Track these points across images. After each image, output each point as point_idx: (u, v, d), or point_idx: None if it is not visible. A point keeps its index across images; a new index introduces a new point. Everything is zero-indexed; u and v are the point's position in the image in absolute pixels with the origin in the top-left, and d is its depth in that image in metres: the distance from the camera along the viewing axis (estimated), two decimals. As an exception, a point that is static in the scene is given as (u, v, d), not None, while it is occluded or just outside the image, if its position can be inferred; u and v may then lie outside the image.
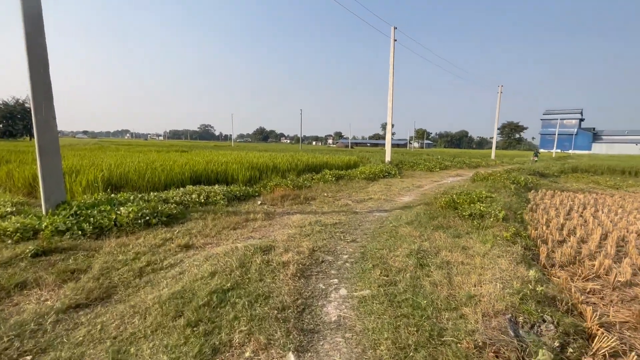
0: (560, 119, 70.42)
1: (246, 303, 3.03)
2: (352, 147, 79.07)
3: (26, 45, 5.11)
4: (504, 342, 2.54)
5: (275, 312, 2.91)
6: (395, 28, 18.39)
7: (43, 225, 4.82)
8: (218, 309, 2.91)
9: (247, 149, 33.46)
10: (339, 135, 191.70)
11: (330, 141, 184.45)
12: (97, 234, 4.96)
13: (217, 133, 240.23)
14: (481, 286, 3.52)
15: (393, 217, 6.89)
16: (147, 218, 5.50)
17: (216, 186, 8.28)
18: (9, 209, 5.73)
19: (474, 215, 6.60)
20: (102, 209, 5.63)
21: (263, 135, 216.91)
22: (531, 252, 5.12)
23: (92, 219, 5.20)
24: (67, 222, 5.00)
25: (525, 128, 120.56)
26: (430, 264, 4.16)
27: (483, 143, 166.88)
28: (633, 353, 2.57)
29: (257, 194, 8.93)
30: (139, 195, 6.73)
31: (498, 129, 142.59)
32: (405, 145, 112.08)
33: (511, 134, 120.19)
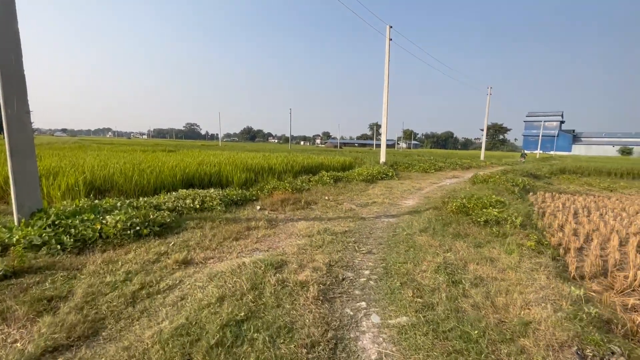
0: (542, 121, 72.16)
1: (267, 339, 2.50)
2: (340, 147, 78.81)
3: (-6, 29, 4.40)
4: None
5: (304, 350, 2.40)
6: (390, 27, 18.06)
7: (14, 239, 4.14)
8: (234, 349, 2.37)
9: (236, 149, 32.56)
10: (326, 135, 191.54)
11: (318, 141, 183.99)
12: (79, 248, 4.30)
13: (203, 132, 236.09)
14: (529, 309, 3.11)
15: (404, 223, 6.46)
16: (138, 228, 4.86)
17: (212, 190, 7.65)
18: (-26, 218, 4.98)
19: (490, 222, 6.24)
20: (85, 217, 4.96)
21: (250, 135, 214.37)
22: (557, 262, 4.77)
23: (73, 230, 4.54)
24: (44, 234, 4.33)
25: (509, 129, 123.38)
26: (462, 280, 3.73)
27: (468, 144, 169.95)
28: None
29: (254, 197, 8.35)
30: (127, 201, 6.06)
31: (482, 129, 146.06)
32: (393, 146, 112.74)
33: (495, 135, 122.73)
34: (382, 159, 19.06)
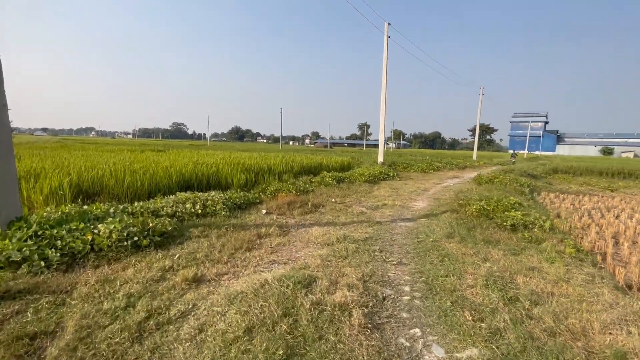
0: (529, 122, 73.56)
1: (320, 388, 1.95)
2: (331, 147, 78.48)
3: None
4: None
5: (372, 405, 1.87)
6: (389, 24, 17.67)
7: (-12, 255, 3.45)
8: (282, 407, 1.82)
9: (227, 149, 31.64)
10: (316, 135, 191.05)
11: (307, 141, 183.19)
12: (67, 264, 3.65)
13: (190, 132, 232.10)
14: (611, 333, 2.66)
15: (424, 228, 6.00)
16: (136, 238, 4.22)
17: (212, 193, 7.01)
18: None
19: (517, 226, 5.84)
20: (73, 226, 4.28)
21: (239, 135, 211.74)
22: (600, 269, 4.38)
23: (59, 242, 3.87)
24: (24, 248, 3.64)
25: (496, 130, 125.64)
26: (518, 297, 3.26)
27: (455, 144, 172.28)
28: None
29: (258, 200, 7.75)
30: (120, 207, 5.38)
31: (469, 130, 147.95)
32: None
33: (482, 135, 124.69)
34: (380, 159, 18.67)
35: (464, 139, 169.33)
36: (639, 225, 7.22)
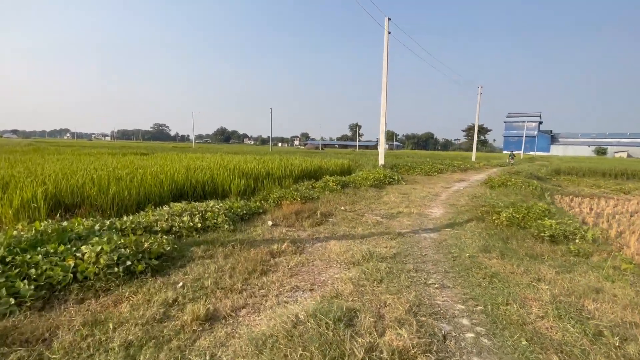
0: (524, 122, 74.84)
1: None
2: (322, 149, 78.06)
3: None
4: None
5: None
6: (389, 19, 17.37)
7: (-60, 292, 2.81)
8: None
9: (214, 151, 30.83)
10: (305, 136, 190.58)
11: (296, 142, 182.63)
12: (44, 300, 3.03)
13: (172, 133, 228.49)
14: None
15: (453, 240, 5.57)
16: (129, 263, 3.61)
17: (211, 203, 6.41)
18: None
19: (556, 237, 5.45)
20: (51, 249, 3.65)
21: (225, 136, 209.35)
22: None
23: (33, 270, 3.24)
24: (-12, 280, 3.01)
25: (490, 130, 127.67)
26: (601, 331, 2.82)
27: (448, 145, 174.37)
28: None
29: (261, 210, 7.19)
30: (107, 222, 4.75)
31: (463, 130, 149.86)
32: (374, 147, 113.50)
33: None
34: (381, 161, 18.28)
35: (457, 139, 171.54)
36: (673, 232, 6.95)
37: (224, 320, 2.87)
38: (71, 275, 3.33)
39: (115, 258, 3.61)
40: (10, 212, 5.17)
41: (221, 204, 6.46)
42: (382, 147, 18.56)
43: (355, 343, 2.45)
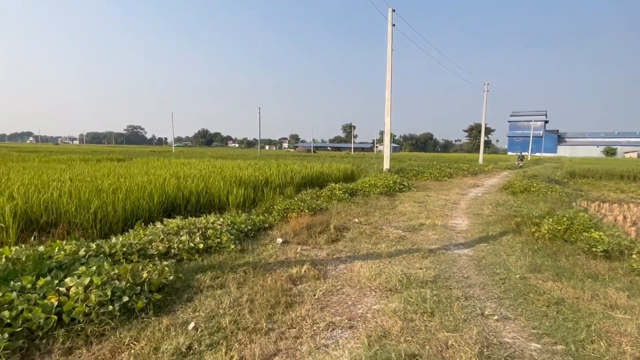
0: (528, 122, 76.04)
1: None
2: (314, 152, 77.85)
3: None
4: None
5: None
6: (393, 10, 17.26)
7: None
8: None
9: (197, 155, 30.25)
10: (295, 138, 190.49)
11: (286, 145, 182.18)
12: (21, 352, 2.59)
13: (149, 136, 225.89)
14: None
15: (493, 258, 5.28)
16: (126, 299, 3.19)
17: (211, 217, 5.99)
18: None
19: (610, 252, 5.20)
20: (27, 283, 3.20)
21: (207, 139, 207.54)
22: None
23: (7, 312, 2.80)
24: (-50, 329, 2.56)
25: (493, 130, 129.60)
26: None
27: (448, 146, 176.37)
28: None
29: (266, 224, 6.79)
30: (93, 245, 4.29)
31: (465, 130, 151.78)
32: (371, 149, 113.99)
33: (478, 136, 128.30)
34: (386, 165, 18.05)
35: (458, 140, 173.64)
36: None
37: (255, 376, 2.47)
38: (55, 317, 2.89)
39: (109, 293, 3.18)
40: (-28, 234, 4.67)
41: (222, 219, 6.05)
42: (387, 150, 18.34)
43: (433, 406, 2.09)
